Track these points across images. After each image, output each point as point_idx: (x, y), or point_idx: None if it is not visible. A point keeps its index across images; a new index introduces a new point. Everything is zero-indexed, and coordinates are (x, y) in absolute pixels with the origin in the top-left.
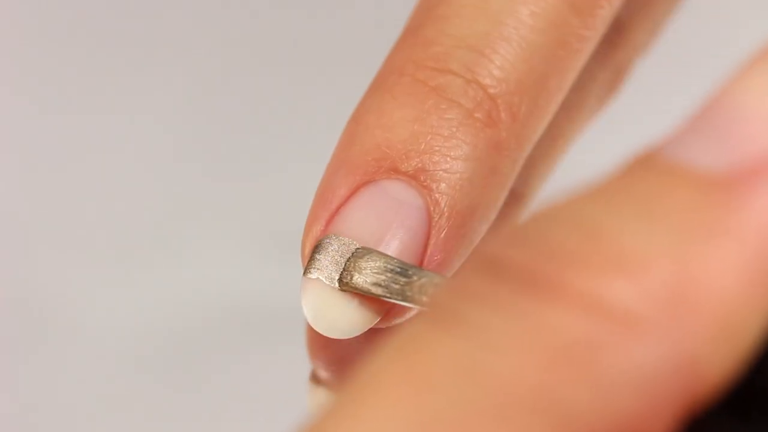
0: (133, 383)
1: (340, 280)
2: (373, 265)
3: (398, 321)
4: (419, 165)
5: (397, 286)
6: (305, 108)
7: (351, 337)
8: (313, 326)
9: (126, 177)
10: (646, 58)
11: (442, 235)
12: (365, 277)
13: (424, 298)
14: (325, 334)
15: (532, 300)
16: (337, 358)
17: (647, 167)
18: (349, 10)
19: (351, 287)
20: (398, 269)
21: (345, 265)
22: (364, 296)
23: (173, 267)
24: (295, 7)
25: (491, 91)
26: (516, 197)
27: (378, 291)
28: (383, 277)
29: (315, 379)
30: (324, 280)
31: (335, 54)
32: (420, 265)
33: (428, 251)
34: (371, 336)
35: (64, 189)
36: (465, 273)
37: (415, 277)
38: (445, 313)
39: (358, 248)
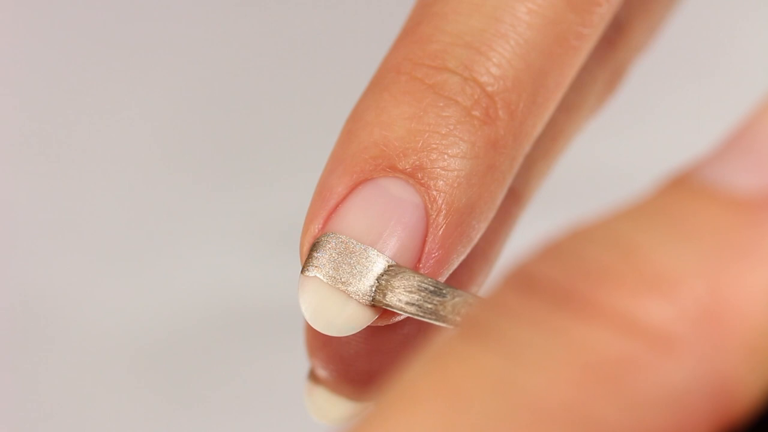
0: (133, 383)
1: (372, 297)
2: (406, 283)
3: (396, 319)
4: (417, 162)
5: (430, 306)
6: (306, 107)
7: (349, 334)
8: (310, 324)
9: (126, 177)
10: (646, 57)
11: (440, 232)
12: (398, 295)
13: (458, 318)
14: (322, 332)
15: (567, 317)
16: (335, 357)
17: (681, 188)
18: (351, 9)
19: (383, 305)
20: (432, 288)
21: (377, 283)
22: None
23: (173, 267)
24: (297, 7)
25: (489, 88)
26: (515, 196)
27: (411, 310)
28: (417, 296)
29: (313, 377)
30: (322, 278)
31: (336, 53)
32: (418, 262)
33: (426, 248)
34: (369, 334)
35: (64, 190)
36: (500, 289)
37: (448, 297)
38: (480, 327)
39: (391, 265)
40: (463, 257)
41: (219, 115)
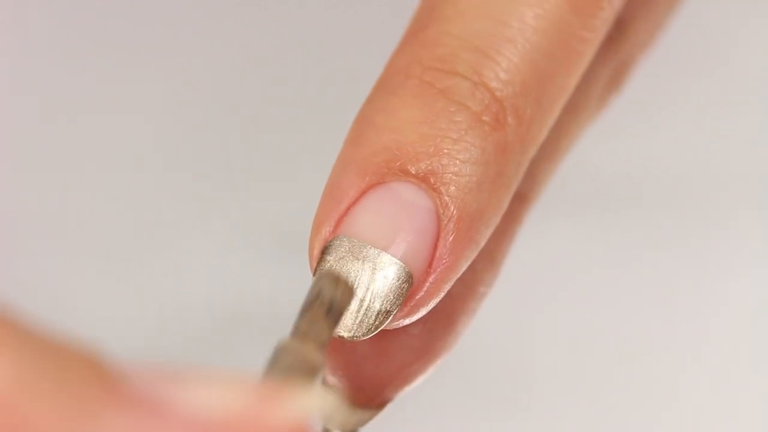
0: None
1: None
2: None
3: (407, 322)
4: (429, 167)
5: None
6: (308, 108)
7: (359, 339)
8: None
9: (126, 178)
10: (650, 58)
11: (451, 238)
12: None
13: None
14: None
15: None
16: (344, 362)
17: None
18: (352, 9)
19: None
20: None
21: None
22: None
23: (173, 269)
24: (297, 7)
25: (498, 93)
26: (521, 198)
27: None
28: None
29: (322, 383)
30: None
31: (336, 55)
32: (429, 268)
33: (437, 254)
34: (379, 339)
35: (63, 191)
36: None
37: None
38: None
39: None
40: (470, 262)
41: (220, 116)
